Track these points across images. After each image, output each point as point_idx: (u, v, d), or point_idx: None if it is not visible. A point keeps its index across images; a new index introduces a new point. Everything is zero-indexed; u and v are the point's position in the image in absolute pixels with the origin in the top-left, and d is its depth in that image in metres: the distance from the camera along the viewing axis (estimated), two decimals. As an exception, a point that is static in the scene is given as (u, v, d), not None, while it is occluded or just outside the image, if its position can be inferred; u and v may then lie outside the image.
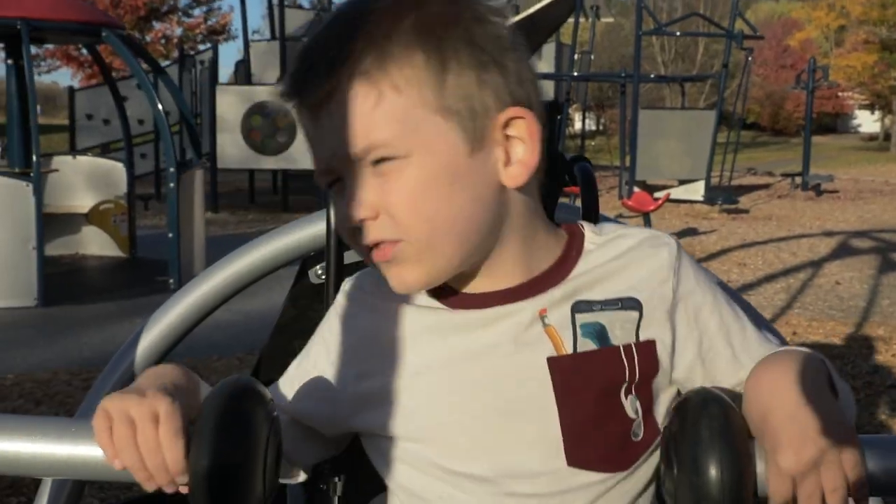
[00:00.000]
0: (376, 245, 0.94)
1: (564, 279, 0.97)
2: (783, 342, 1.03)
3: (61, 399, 4.35)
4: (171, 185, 6.85)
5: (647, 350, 0.96)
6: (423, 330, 0.98)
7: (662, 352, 0.97)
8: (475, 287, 0.98)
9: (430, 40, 0.91)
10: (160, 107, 6.83)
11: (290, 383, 1.06)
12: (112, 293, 6.97)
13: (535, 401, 0.94)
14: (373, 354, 1.00)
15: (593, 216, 1.24)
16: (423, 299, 0.99)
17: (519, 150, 0.94)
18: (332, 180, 0.96)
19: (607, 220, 1.33)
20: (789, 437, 0.81)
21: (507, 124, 0.94)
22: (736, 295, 1.14)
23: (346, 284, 1.07)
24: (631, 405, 0.95)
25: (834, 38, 44.05)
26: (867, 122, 50.83)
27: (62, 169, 8.31)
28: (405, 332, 0.99)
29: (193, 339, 1.61)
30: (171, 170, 6.83)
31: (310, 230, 1.48)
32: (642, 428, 0.96)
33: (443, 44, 0.91)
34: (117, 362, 1.58)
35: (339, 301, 1.06)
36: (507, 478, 0.94)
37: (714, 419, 0.85)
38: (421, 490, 0.98)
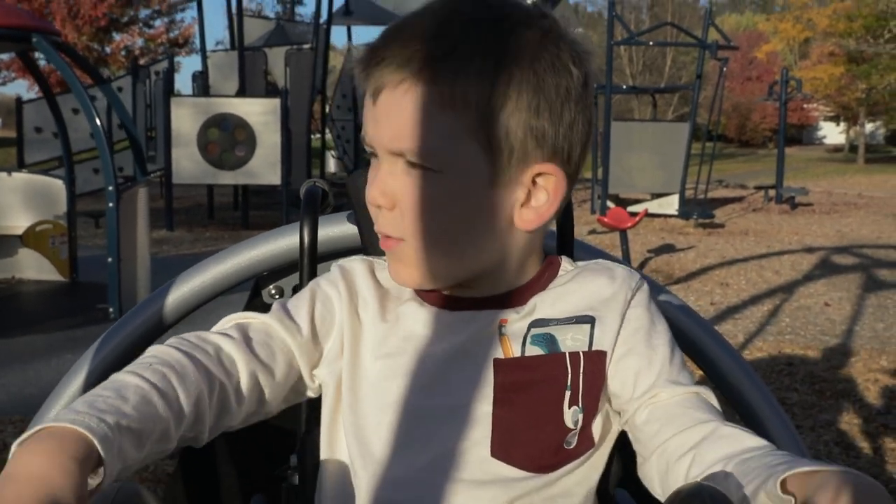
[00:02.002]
0: (385, 235, 1.02)
1: (531, 298, 1.04)
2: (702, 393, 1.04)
3: (-37, 457, 3.75)
4: (111, 204, 6.27)
5: (597, 360, 1.01)
6: (395, 315, 1.05)
7: (609, 363, 1.02)
8: (447, 289, 1.05)
9: (503, 76, 0.94)
10: (97, 121, 6.24)
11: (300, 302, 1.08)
12: (44, 323, 6.35)
13: (475, 392, 0.99)
14: (358, 321, 1.06)
15: (567, 241, 1.29)
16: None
17: (540, 198, 1.00)
18: (374, 153, 1.01)
19: (585, 247, 1.41)
20: None
21: (539, 173, 0.99)
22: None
23: (345, 261, 1.12)
24: (572, 416, 1.00)
25: (799, 51, 44.30)
26: (832, 133, 51.36)
27: (-3, 187, 7.70)
28: (384, 310, 1.06)
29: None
30: (111, 188, 6.26)
31: (265, 248, 1.42)
32: (576, 438, 1.00)
33: (512, 82, 0.94)
34: (41, 415, 1.39)
35: (337, 269, 1.10)
36: (440, 460, 0.98)
37: None
38: (359, 460, 1.01)
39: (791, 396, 4.61)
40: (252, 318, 1.06)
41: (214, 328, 1.05)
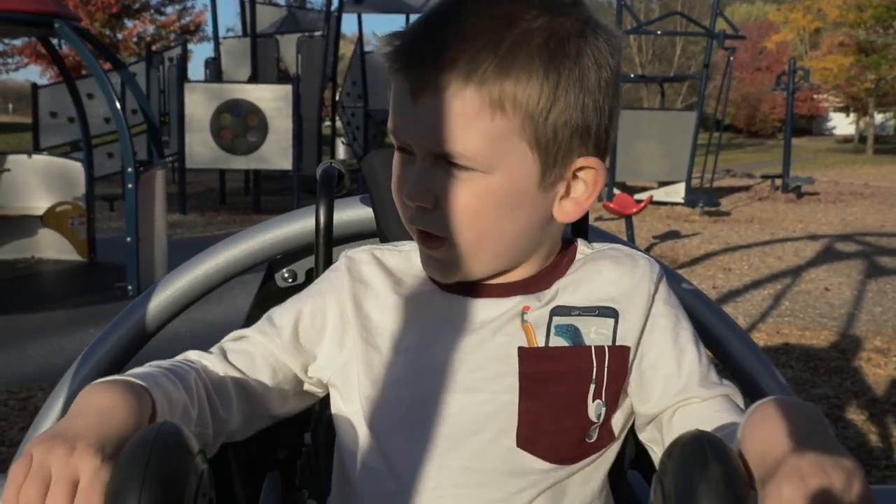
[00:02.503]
0: (423, 231, 1.00)
1: (551, 284, 1.03)
2: (732, 388, 1.04)
3: (-5, 422, 3.96)
4: (129, 186, 6.47)
5: (621, 355, 1.00)
6: (411, 303, 1.04)
7: (631, 360, 1.01)
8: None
9: (550, 72, 0.93)
10: (118, 104, 6.43)
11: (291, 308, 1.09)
12: (66, 300, 6.57)
13: (500, 381, 0.98)
14: (372, 311, 1.05)
15: (582, 225, 1.25)
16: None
17: (579, 188, 1.01)
18: (405, 147, 0.99)
19: (600, 232, 1.38)
20: (792, 468, 0.73)
21: (580, 167, 0.99)
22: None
23: (353, 252, 1.11)
24: (595, 409, 0.99)
25: (809, 41, 44.19)
26: (842, 124, 51.20)
27: (17, 169, 7.90)
28: (400, 300, 1.04)
29: (150, 352, 1.36)
30: (129, 170, 6.45)
31: (278, 231, 1.42)
32: (597, 432, 1.00)
33: (560, 80, 0.93)
34: (66, 380, 1.45)
35: (343, 261, 1.10)
36: (460, 450, 0.97)
37: (712, 467, 0.76)
38: (384, 452, 1.00)
39: (786, 373, 4.79)
40: (235, 336, 1.09)
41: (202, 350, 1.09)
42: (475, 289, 1.03)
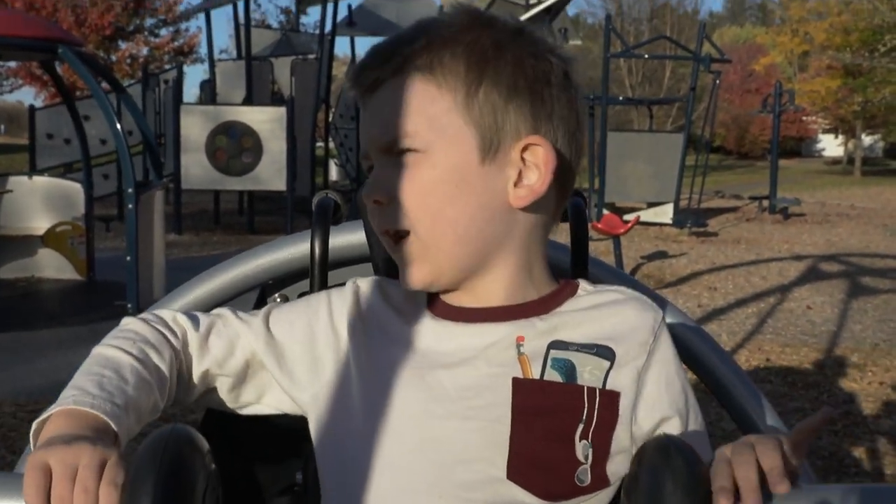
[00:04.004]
0: (386, 233, 1.03)
1: (548, 312, 1.03)
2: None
3: (4, 433, 4.10)
4: (130, 206, 6.63)
5: (610, 399, 0.99)
6: (407, 330, 1.04)
7: (625, 406, 0.99)
8: (458, 300, 1.05)
9: (479, 57, 1.00)
10: (118, 126, 6.61)
11: (281, 316, 1.10)
12: (67, 318, 6.72)
13: (492, 410, 0.97)
14: (360, 336, 1.05)
15: (582, 253, 1.26)
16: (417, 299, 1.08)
17: (532, 176, 1.01)
18: (370, 166, 1.05)
19: (599, 264, 1.37)
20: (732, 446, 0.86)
21: (525, 149, 1.01)
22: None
23: (361, 280, 1.13)
24: (583, 450, 0.97)
25: (798, 64, 44.64)
26: (831, 146, 51.57)
27: (18, 189, 8.05)
28: (396, 328, 1.05)
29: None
30: (130, 190, 6.62)
31: (272, 257, 1.43)
32: (589, 475, 0.97)
33: (488, 63, 1.00)
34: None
35: (351, 286, 1.11)
36: (448, 480, 0.96)
37: (677, 470, 0.82)
38: (370, 482, 0.98)
39: (764, 387, 4.97)
40: (229, 315, 1.10)
41: (199, 313, 1.11)
42: (469, 314, 1.03)
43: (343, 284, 1.14)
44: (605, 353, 1.00)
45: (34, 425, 0.89)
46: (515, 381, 0.98)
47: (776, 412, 1.34)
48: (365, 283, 1.12)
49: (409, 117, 0.99)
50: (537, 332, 1.01)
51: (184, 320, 1.07)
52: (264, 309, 1.11)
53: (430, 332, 1.04)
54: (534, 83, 1.01)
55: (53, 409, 0.89)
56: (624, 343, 1.01)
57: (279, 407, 1.10)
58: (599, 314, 1.04)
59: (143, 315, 1.08)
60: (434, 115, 0.99)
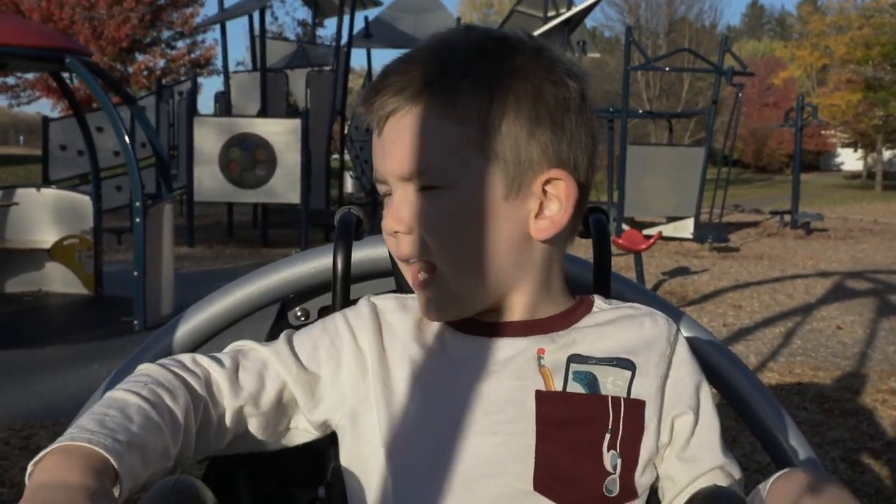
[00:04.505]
0: (408, 261, 1.02)
1: (567, 328, 1.04)
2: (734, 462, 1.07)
3: (-3, 461, 3.89)
4: (137, 220, 6.45)
5: (636, 408, 1.00)
6: (428, 345, 1.04)
7: (651, 415, 1.01)
8: (478, 314, 1.04)
9: (499, 87, 0.97)
10: (126, 138, 6.43)
11: (303, 341, 1.08)
12: (71, 334, 6.52)
13: (516, 424, 0.98)
14: (385, 355, 1.04)
15: (604, 270, 1.25)
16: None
17: (553, 208, 1.01)
18: (388, 191, 1.03)
19: (623, 280, 1.36)
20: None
21: (547, 181, 1.00)
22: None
23: (377, 298, 1.12)
24: (611, 460, 0.98)
25: (817, 78, 44.34)
26: (850, 160, 51.25)
27: (25, 202, 7.90)
28: (419, 343, 1.04)
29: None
30: (137, 204, 6.44)
31: (292, 271, 1.42)
32: (617, 486, 0.98)
33: (509, 93, 0.97)
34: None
35: (366, 304, 1.10)
36: (475, 494, 0.96)
37: None
38: (398, 497, 0.98)
39: (800, 415, 4.71)
40: (251, 347, 1.08)
41: (217, 353, 1.08)
42: (489, 328, 1.04)
43: (355, 302, 1.13)
44: (626, 364, 1.02)
45: (29, 467, 0.83)
46: (538, 393, 0.99)
47: (809, 443, 1.36)
48: (382, 300, 1.11)
49: (430, 151, 0.97)
50: (557, 346, 1.02)
51: (206, 361, 1.04)
52: (283, 335, 1.09)
53: (451, 347, 1.04)
54: (554, 112, 0.99)
55: (50, 448, 0.84)
56: (642, 355, 1.03)
57: (309, 430, 1.08)
58: (615, 329, 1.05)
59: (161, 360, 1.03)
60: (458, 150, 0.97)
